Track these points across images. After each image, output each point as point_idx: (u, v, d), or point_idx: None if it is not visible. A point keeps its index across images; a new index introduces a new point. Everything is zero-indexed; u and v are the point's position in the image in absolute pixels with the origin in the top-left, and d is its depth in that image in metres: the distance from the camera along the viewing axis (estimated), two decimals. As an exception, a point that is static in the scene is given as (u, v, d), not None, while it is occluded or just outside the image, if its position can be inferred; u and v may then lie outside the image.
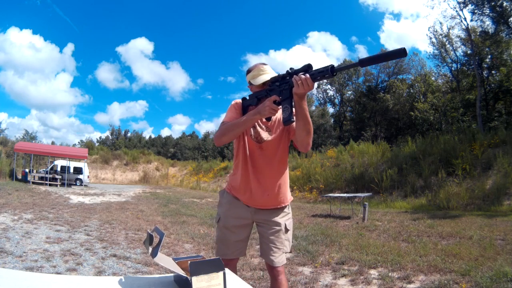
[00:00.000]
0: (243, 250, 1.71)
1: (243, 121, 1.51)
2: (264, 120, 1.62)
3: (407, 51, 1.07)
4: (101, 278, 0.98)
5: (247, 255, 3.70)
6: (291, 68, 1.39)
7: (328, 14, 58.10)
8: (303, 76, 1.29)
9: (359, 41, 51.74)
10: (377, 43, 45.43)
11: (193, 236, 4.97)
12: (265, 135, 1.65)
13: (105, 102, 66.92)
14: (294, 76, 1.32)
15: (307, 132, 1.46)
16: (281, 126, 1.65)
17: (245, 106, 1.65)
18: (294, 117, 1.42)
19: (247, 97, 1.67)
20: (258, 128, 1.66)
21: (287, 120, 1.40)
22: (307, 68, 1.32)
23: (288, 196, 1.69)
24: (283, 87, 1.42)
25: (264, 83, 1.59)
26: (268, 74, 1.59)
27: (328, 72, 1.24)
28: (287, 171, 1.71)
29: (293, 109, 1.42)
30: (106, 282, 0.89)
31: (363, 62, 1.16)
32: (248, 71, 1.68)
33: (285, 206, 1.69)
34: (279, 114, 1.62)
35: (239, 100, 1.70)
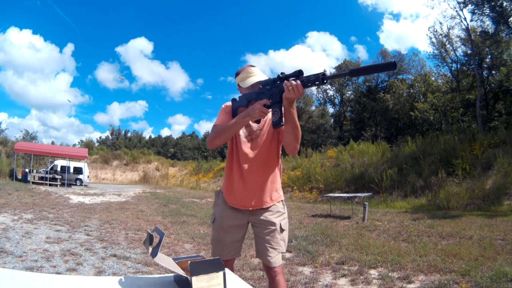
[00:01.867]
0: (238, 250, 1.72)
1: (233, 123, 1.52)
2: (253, 122, 1.64)
3: (397, 65, 1.12)
4: (101, 278, 0.98)
5: (247, 255, 3.70)
6: (282, 73, 1.41)
7: (328, 14, 58.17)
8: (294, 82, 1.30)
9: (358, 41, 51.96)
10: (376, 43, 45.55)
11: (193, 236, 4.97)
12: (256, 136, 1.67)
13: (104, 102, 67.16)
14: (285, 81, 1.34)
15: (294, 136, 1.48)
16: (271, 128, 1.66)
17: (235, 108, 1.66)
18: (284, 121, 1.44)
19: (237, 98, 1.68)
20: (249, 128, 1.68)
21: (276, 124, 1.42)
22: (298, 74, 1.33)
23: (274, 196, 1.69)
24: (273, 91, 1.43)
25: (253, 85, 1.60)
26: (256, 76, 1.60)
27: (319, 80, 1.27)
28: (277, 172, 1.72)
29: (283, 113, 1.43)
30: (106, 282, 0.89)
31: (353, 73, 1.20)
32: (237, 74, 1.70)
33: (273, 205, 1.68)
34: (270, 115, 1.63)
35: (229, 103, 1.71)
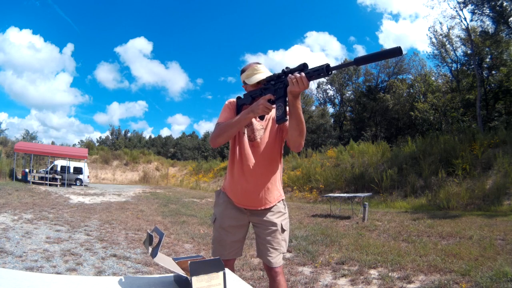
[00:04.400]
0: (239, 250, 1.71)
1: (237, 121, 1.50)
2: (257, 118, 1.62)
3: (403, 50, 1.07)
4: (101, 278, 0.98)
5: (247, 255, 3.71)
6: (286, 67, 1.39)
7: (326, 14, 58.19)
8: (298, 75, 1.28)
9: (357, 41, 51.79)
10: (375, 43, 45.50)
11: (193, 236, 4.97)
12: (259, 134, 1.65)
13: (104, 102, 67.20)
14: (289, 75, 1.31)
15: (299, 132, 1.45)
16: (275, 125, 1.64)
17: (239, 105, 1.65)
18: (288, 116, 1.41)
19: (242, 96, 1.66)
20: (252, 126, 1.65)
21: (280, 119, 1.39)
22: (303, 67, 1.31)
23: (275, 196, 1.67)
24: (278, 86, 1.41)
25: (259, 83, 1.58)
26: (262, 73, 1.58)
27: (324, 71, 1.23)
28: (279, 171, 1.70)
29: (287, 108, 1.41)
30: (106, 282, 0.89)
31: (359, 61, 1.16)
32: (242, 71, 1.67)
33: (274, 206, 1.67)
34: (273, 113, 1.61)
35: (233, 100, 1.69)
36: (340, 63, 1.32)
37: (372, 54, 1.14)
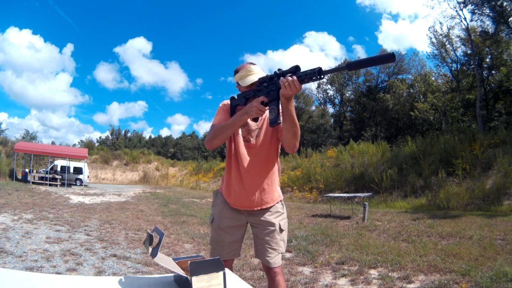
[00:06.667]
0: (237, 251, 1.70)
1: (231, 123, 1.50)
2: (251, 120, 1.62)
3: (396, 56, 1.04)
4: (101, 278, 0.98)
5: (247, 255, 3.70)
6: (279, 69, 1.38)
7: (326, 14, 58.25)
8: (290, 78, 1.27)
9: (356, 41, 51.96)
10: (375, 43, 45.57)
11: (193, 236, 4.97)
12: (254, 135, 1.65)
13: (104, 102, 67.13)
14: (281, 78, 1.31)
15: (293, 134, 1.45)
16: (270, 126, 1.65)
17: (233, 106, 1.64)
18: (281, 119, 1.41)
19: (236, 97, 1.66)
20: (247, 127, 1.65)
21: (273, 122, 1.39)
22: (295, 69, 1.30)
23: (273, 196, 1.67)
24: (270, 88, 1.41)
25: (252, 83, 1.57)
26: (256, 75, 1.57)
27: (316, 75, 1.22)
28: (276, 171, 1.69)
29: (280, 111, 1.40)
30: (106, 282, 0.89)
31: (351, 66, 1.15)
32: (236, 72, 1.66)
33: (272, 206, 1.66)
34: (268, 114, 1.61)
35: (227, 102, 1.69)
36: (334, 67, 1.30)
37: (364, 60, 1.12)
